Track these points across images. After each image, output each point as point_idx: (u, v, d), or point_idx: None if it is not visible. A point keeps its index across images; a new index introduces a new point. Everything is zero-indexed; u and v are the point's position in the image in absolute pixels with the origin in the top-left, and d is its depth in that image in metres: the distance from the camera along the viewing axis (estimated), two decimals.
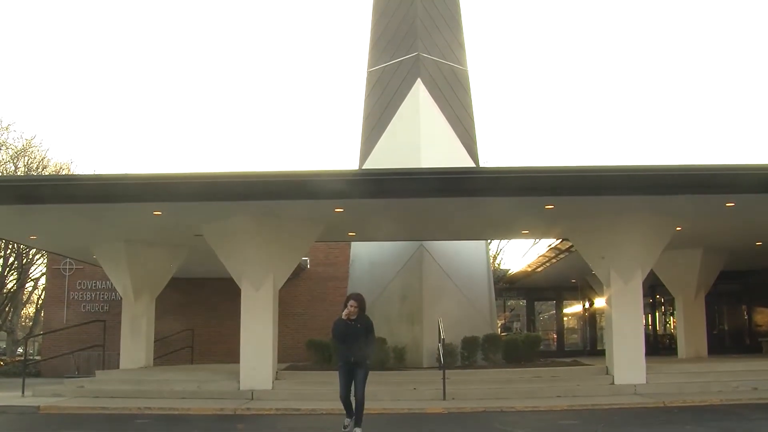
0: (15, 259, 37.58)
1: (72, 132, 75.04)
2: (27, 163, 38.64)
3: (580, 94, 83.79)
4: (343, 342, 11.45)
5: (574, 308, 36.54)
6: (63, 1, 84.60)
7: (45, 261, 33.95)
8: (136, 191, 14.73)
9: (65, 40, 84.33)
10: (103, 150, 71.57)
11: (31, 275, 40.97)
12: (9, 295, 38.60)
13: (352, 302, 11.35)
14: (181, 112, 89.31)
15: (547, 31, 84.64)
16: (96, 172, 40.06)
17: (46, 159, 39.97)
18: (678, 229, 17.48)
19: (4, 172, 36.89)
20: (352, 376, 11.36)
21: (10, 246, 36.10)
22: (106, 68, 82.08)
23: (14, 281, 39.09)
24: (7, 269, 37.64)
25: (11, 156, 38.48)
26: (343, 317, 11.34)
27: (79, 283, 28.50)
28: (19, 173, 37.04)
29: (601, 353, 22.16)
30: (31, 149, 39.22)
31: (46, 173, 38.06)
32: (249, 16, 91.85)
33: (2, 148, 38.47)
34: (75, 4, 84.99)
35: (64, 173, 38.79)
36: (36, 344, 39.32)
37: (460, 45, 23.48)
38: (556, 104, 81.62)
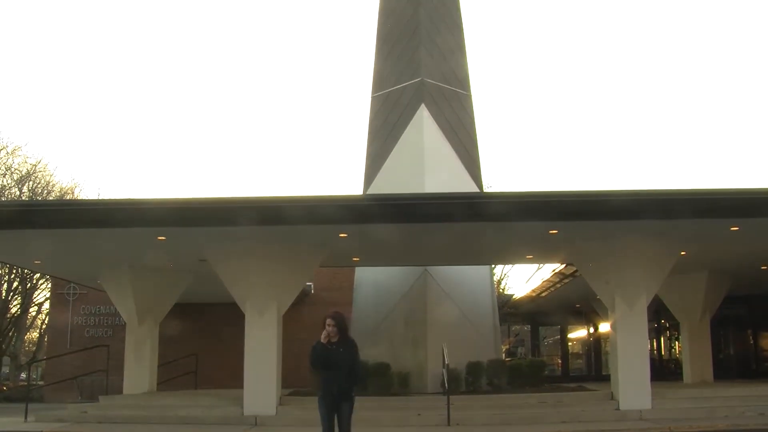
0: (19, 283, 37.58)
1: (77, 155, 75.35)
2: (32, 187, 38.73)
3: (584, 117, 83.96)
4: (323, 369, 10.01)
5: (578, 333, 36.42)
6: (73, 24, 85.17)
7: (49, 286, 33.95)
8: (139, 216, 14.75)
9: (72, 62, 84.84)
10: (107, 173, 71.75)
11: (35, 300, 40.96)
12: (13, 319, 38.56)
13: (329, 321, 9.92)
14: (187, 135, 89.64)
15: (551, 55, 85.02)
16: (100, 197, 40.34)
17: (51, 183, 40.08)
18: (682, 253, 17.45)
19: (9, 196, 36.96)
20: (336, 410, 9.89)
21: (15, 270, 36.11)
22: (111, 92, 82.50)
23: (18, 306, 39.08)
24: (11, 294, 37.63)
25: (16, 180, 38.58)
26: (321, 340, 9.92)
27: (83, 308, 28.49)
28: (24, 198, 37.10)
29: (607, 378, 22.05)
30: (36, 174, 39.34)
31: (51, 198, 38.12)
32: (254, 38, 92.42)
33: (7, 173, 38.57)
34: (85, 28, 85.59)
35: (68, 198, 38.86)
36: (39, 369, 39.24)
37: (464, 70, 23.58)
38: (560, 127, 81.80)
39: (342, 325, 10.01)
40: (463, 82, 23.36)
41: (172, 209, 14.90)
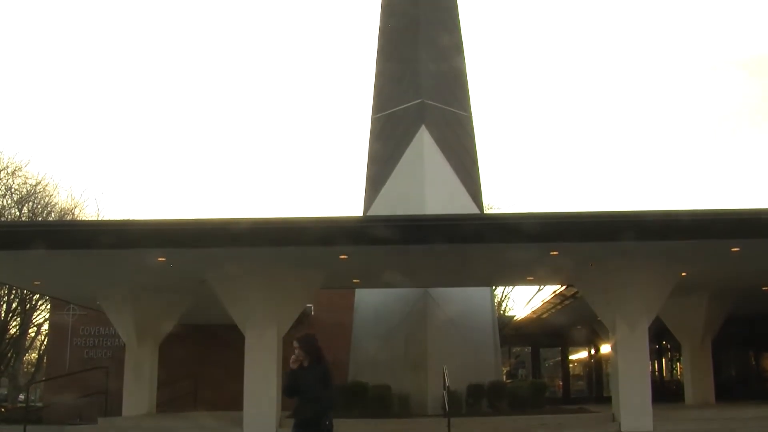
0: (18, 304, 37.50)
1: (77, 175, 75.46)
2: (32, 208, 38.70)
3: (585, 138, 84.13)
4: (296, 396, 9.60)
5: (579, 355, 36.30)
6: (76, 45, 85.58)
7: (48, 307, 33.87)
8: (139, 237, 14.76)
9: (75, 81, 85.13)
10: (108, 193, 71.80)
11: (34, 321, 40.84)
12: (12, 340, 38.43)
13: (295, 344, 9.52)
14: (188, 156, 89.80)
15: (552, 75, 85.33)
16: (101, 217, 40.33)
17: (51, 204, 40.05)
18: (683, 274, 17.42)
19: (9, 217, 36.94)
20: None
21: (14, 291, 36.04)
22: (112, 113, 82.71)
23: (17, 327, 38.96)
24: (11, 315, 37.54)
25: (16, 201, 38.57)
26: (291, 365, 9.52)
27: (83, 329, 28.40)
28: (24, 218, 37.08)
29: (608, 400, 21.94)
30: (36, 194, 39.33)
31: (51, 218, 38.08)
32: (254, 60, 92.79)
33: (7, 193, 38.58)
34: (87, 48, 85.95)
35: (68, 218, 38.83)
36: (38, 390, 39.07)
37: (465, 91, 23.67)
38: (561, 146, 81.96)
39: (310, 348, 9.48)
40: (463, 102, 23.44)
41: (172, 230, 14.91)
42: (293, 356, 9.44)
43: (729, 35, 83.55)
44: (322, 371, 9.39)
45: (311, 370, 9.31)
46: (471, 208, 21.44)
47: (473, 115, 23.54)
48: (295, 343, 9.46)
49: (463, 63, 24.18)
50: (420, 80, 22.68)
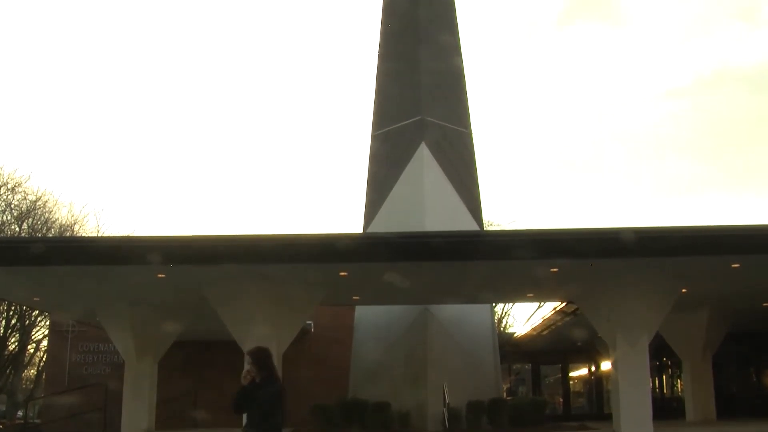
0: (17, 320, 37.44)
1: (77, 191, 75.52)
2: (31, 224, 38.71)
3: (584, 153, 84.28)
4: (240, 413, 8.91)
5: (580, 371, 36.20)
6: (75, 62, 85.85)
7: (47, 323, 33.81)
8: (139, 254, 14.76)
9: (72, 97, 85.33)
10: (107, 209, 71.83)
11: (33, 337, 40.77)
12: (11, 356, 38.36)
13: (246, 358, 8.77)
14: (188, 174, 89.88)
15: (551, 89, 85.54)
16: (100, 233, 40.30)
17: (50, 220, 40.05)
18: (683, 291, 17.41)
19: (9, 233, 36.95)
20: None
21: (13, 307, 36.00)
22: (111, 130, 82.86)
23: (16, 343, 38.89)
24: (10, 330, 37.48)
25: (15, 217, 38.58)
26: (242, 381, 8.72)
27: (82, 345, 28.32)
28: (23, 235, 37.09)
29: (609, 417, 21.89)
30: (35, 210, 39.34)
31: (51, 235, 38.09)
32: (252, 75, 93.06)
33: (7, 209, 38.59)
34: (88, 65, 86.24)
35: (68, 235, 38.84)
36: (36, 407, 38.94)
37: (464, 108, 23.74)
38: (562, 163, 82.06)
39: (262, 363, 8.63)
40: (463, 119, 23.50)
41: (172, 247, 14.90)
42: (244, 371, 8.68)
43: (726, 49, 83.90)
44: (274, 389, 8.54)
45: (263, 387, 8.49)
46: (471, 225, 21.45)
47: (473, 131, 23.60)
48: (247, 357, 8.71)
49: (463, 78, 24.25)
50: (419, 97, 22.74)
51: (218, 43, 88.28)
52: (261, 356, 8.70)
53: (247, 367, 8.63)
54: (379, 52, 24.95)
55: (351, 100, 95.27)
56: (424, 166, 21.74)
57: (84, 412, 25.27)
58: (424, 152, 21.86)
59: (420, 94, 22.80)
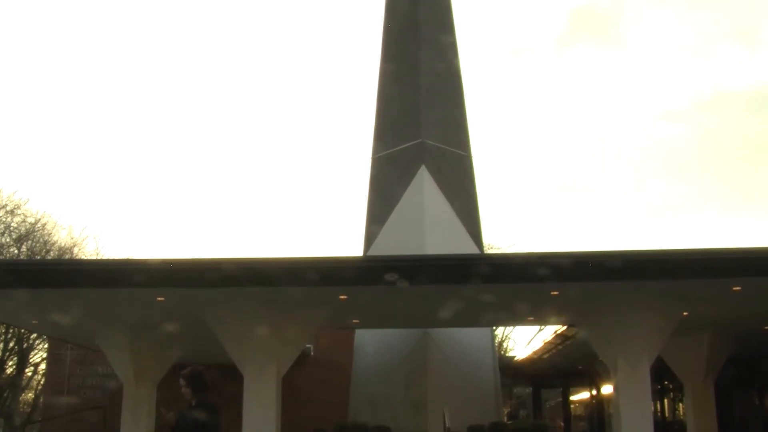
0: (15, 343, 37.29)
1: (77, 213, 75.52)
2: (30, 246, 38.66)
3: (584, 176, 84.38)
4: None
5: (581, 395, 36.04)
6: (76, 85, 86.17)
7: (46, 346, 33.68)
8: (138, 277, 14.72)
9: (72, 120, 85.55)
10: (106, 232, 71.79)
11: (31, 360, 40.58)
12: (8, 380, 38.17)
13: (180, 380, 8.30)
14: (187, 195, 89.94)
15: (551, 111, 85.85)
16: (100, 256, 40.25)
17: (49, 242, 40.00)
18: (684, 314, 17.35)
19: (8, 255, 36.88)
20: None
21: (11, 330, 35.86)
22: (109, 153, 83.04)
23: (14, 366, 38.70)
24: (7, 354, 37.32)
25: (14, 239, 38.54)
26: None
27: (80, 369, 28.20)
28: (22, 257, 37.02)
29: None
30: (34, 232, 39.30)
31: (50, 257, 38.02)
32: (252, 101, 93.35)
33: (6, 231, 38.55)
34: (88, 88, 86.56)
35: (67, 257, 38.78)
36: (34, 431, 38.71)
37: (464, 131, 23.82)
38: (562, 185, 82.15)
39: (197, 385, 8.20)
40: (463, 142, 23.55)
41: (172, 270, 14.86)
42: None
43: (725, 71, 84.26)
44: (209, 413, 8.06)
45: (197, 410, 8.03)
46: (471, 248, 21.44)
47: (472, 154, 23.64)
48: (181, 380, 8.24)
49: (463, 102, 24.34)
50: (419, 120, 22.81)
51: (216, 62, 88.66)
52: (195, 377, 8.29)
53: (181, 389, 8.17)
54: (379, 75, 25.06)
55: (351, 122, 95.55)
56: (425, 189, 21.78)
57: None
58: (424, 175, 21.92)
59: (420, 117, 22.87)
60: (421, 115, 22.93)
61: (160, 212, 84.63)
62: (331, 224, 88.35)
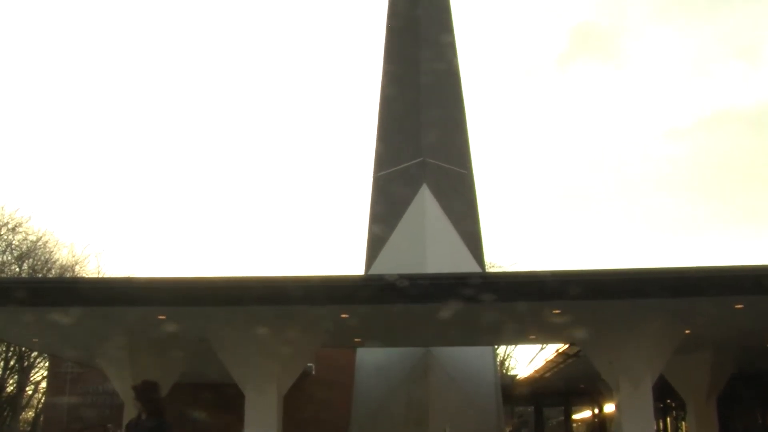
0: (16, 361, 37.21)
1: (78, 231, 75.55)
2: (32, 264, 38.66)
3: (586, 194, 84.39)
4: None
5: (583, 414, 35.92)
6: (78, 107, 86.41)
7: (46, 364, 33.61)
8: (140, 295, 14.71)
9: (75, 138, 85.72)
10: (108, 250, 71.75)
11: (31, 379, 40.48)
12: (8, 398, 38.06)
13: (132, 395, 8.32)
14: (186, 214, 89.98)
15: (552, 129, 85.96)
16: (101, 274, 40.25)
17: (51, 260, 40.00)
18: (687, 332, 17.30)
19: (9, 273, 36.89)
20: None
21: (12, 348, 35.80)
22: (111, 171, 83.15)
23: (14, 384, 38.61)
24: (8, 372, 37.23)
25: (15, 257, 38.55)
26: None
27: (81, 387, 28.12)
28: (23, 275, 37.02)
29: None
30: (36, 250, 39.31)
31: (51, 275, 38.02)
32: (252, 124, 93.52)
33: (7, 249, 38.57)
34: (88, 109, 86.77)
35: (68, 275, 38.77)
36: None
37: (466, 150, 23.85)
38: (564, 203, 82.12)
39: (147, 398, 8.25)
40: (464, 160, 23.57)
41: (173, 289, 14.84)
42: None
43: (726, 89, 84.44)
44: (159, 427, 8.10)
45: (147, 424, 8.05)
46: (472, 266, 21.41)
47: (474, 172, 23.66)
48: (132, 393, 8.29)
49: (464, 119, 24.38)
50: (420, 139, 22.84)
51: (214, 81, 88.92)
52: (146, 391, 8.35)
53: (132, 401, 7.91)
54: (381, 94, 25.12)
55: (352, 141, 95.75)
56: (426, 208, 21.77)
57: None
58: (425, 194, 21.92)
59: (421, 135, 22.90)
60: (422, 134, 22.97)
61: (162, 230, 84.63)
62: (332, 243, 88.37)
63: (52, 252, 40.30)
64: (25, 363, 37.52)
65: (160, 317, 15.85)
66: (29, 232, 38.79)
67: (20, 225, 38.53)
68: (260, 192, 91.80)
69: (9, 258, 38.58)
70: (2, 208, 37.76)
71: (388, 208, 22.61)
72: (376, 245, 22.31)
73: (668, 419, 32.01)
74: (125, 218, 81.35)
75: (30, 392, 43.01)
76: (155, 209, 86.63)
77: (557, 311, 15.84)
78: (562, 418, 35.51)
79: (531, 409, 36.07)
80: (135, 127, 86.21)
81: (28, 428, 46.56)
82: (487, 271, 22.77)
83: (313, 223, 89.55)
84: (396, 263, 20.86)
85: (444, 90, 24.41)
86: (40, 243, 39.42)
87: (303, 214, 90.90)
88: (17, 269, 38.02)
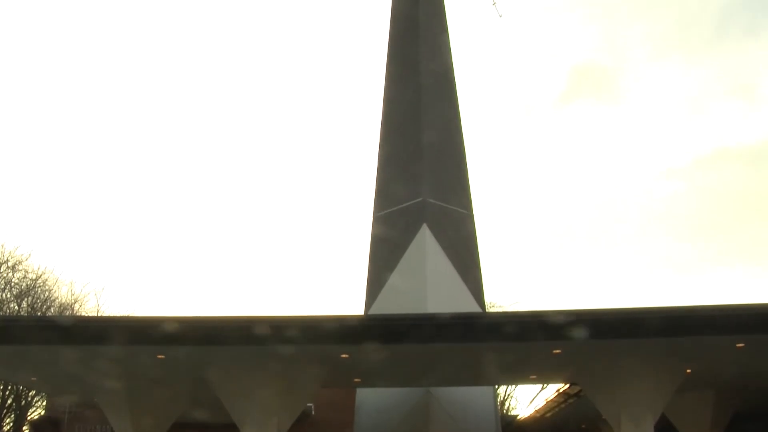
0: (13, 401, 36.91)
1: (78, 270, 75.43)
2: (31, 302, 38.52)
3: (586, 234, 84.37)
4: None
5: None
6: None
7: (44, 403, 33.36)
8: (139, 334, 14.69)
9: (73, 175, 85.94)
10: (107, 289, 71.56)
11: (29, 417, 40.12)
12: None
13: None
14: (186, 252, 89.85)
15: (551, 169, 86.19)
16: (100, 313, 40.09)
17: (50, 299, 39.85)
18: (688, 371, 17.24)
19: (8, 311, 36.75)
20: None
21: (9, 387, 35.55)
22: (113, 207, 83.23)
23: (11, 424, 38.26)
24: (5, 411, 36.92)
25: (15, 295, 38.42)
26: None
27: (78, 427, 27.87)
28: (22, 313, 36.88)
29: None
30: (35, 288, 39.20)
31: (50, 313, 37.88)
32: (252, 159, 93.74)
33: (7, 287, 38.46)
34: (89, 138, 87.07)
35: (68, 314, 38.63)
36: None
37: (466, 190, 23.92)
38: (561, 242, 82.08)
39: None
40: (464, 201, 23.66)
41: (172, 328, 14.81)
42: None
43: (724, 127, 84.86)
44: None
45: None
46: (473, 306, 21.42)
47: (474, 212, 23.73)
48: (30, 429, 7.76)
49: (465, 160, 24.51)
50: (421, 179, 22.95)
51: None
52: (46, 426, 7.83)
53: None
54: (380, 133, 25.28)
55: (352, 179, 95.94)
56: (426, 248, 21.81)
57: None
58: (425, 233, 21.98)
59: (421, 176, 23.02)
60: (422, 174, 23.10)
61: (162, 270, 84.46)
62: (332, 283, 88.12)
63: (51, 290, 40.18)
64: (23, 402, 37.23)
65: (159, 357, 15.80)
66: (29, 270, 38.69)
67: (20, 263, 38.44)
68: (260, 232, 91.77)
69: (8, 296, 38.45)
70: (2, 246, 37.74)
71: (388, 248, 22.66)
72: (375, 285, 22.32)
73: None
74: (126, 257, 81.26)
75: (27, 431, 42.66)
76: (157, 248, 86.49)
77: (557, 351, 15.82)
78: None
79: None
80: (135, 164, 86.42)
81: None
82: (487, 310, 22.71)
83: (313, 263, 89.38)
84: (396, 303, 20.87)
85: (445, 133, 24.59)
86: (39, 281, 39.32)
87: (302, 254, 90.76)
88: (16, 307, 37.87)
